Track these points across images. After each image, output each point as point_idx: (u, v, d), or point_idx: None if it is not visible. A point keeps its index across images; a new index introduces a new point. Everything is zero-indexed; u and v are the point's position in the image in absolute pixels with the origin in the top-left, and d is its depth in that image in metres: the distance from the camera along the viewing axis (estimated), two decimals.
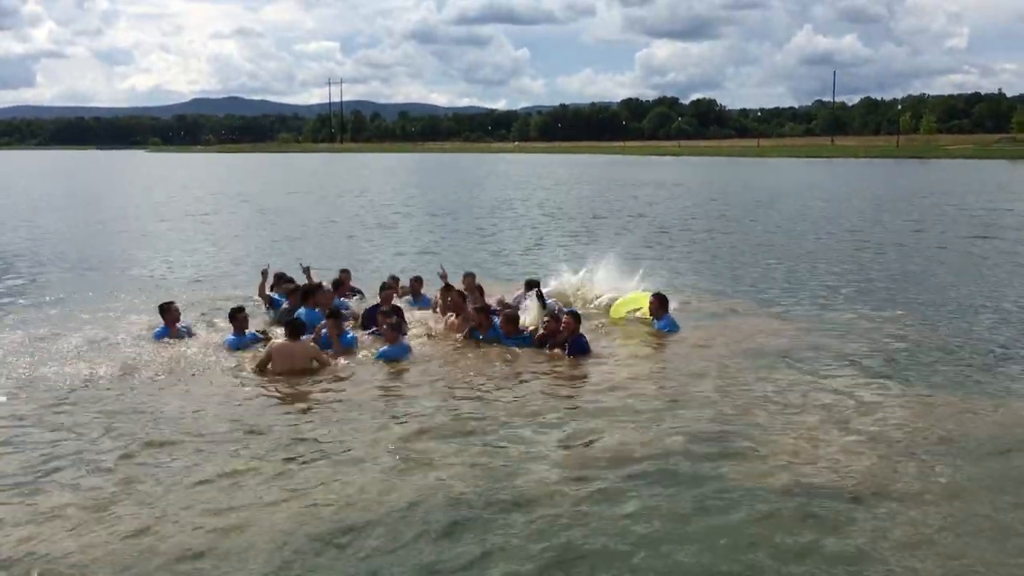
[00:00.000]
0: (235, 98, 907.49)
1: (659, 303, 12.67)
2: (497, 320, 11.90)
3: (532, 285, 13.21)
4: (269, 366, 10.46)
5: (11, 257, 22.30)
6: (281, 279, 13.89)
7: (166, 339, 11.93)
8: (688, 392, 9.68)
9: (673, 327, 12.54)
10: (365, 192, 51.91)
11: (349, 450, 7.91)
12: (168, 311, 12.12)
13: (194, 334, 12.34)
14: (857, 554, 5.95)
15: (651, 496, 6.84)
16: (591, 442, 8.09)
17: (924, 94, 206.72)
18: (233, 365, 10.96)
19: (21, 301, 15.92)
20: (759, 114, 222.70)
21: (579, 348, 11.16)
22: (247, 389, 9.98)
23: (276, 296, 13.40)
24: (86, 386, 9.93)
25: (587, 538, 6.15)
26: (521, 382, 10.17)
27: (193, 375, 10.53)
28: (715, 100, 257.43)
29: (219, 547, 6.03)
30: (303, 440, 8.23)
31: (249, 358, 11.11)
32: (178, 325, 12.18)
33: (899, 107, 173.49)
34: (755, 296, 16.15)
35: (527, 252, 23.36)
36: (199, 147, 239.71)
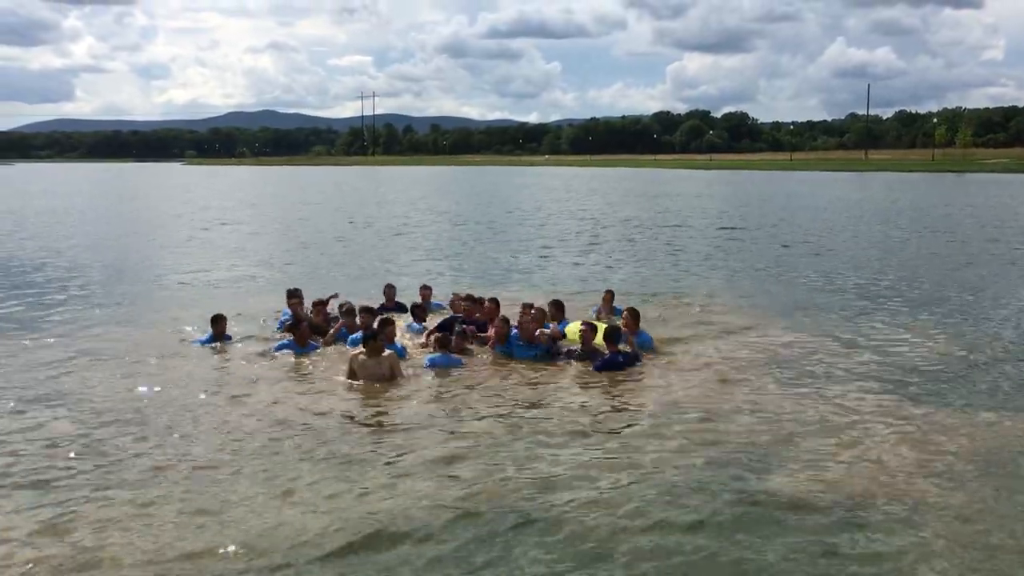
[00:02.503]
0: (270, 111, 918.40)
1: (633, 318, 12.23)
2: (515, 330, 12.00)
3: (558, 306, 13.38)
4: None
5: (59, 267, 22.86)
6: (293, 295, 13.99)
7: (211, 346, 12.42)
8: (712, 408, 9.60)
9: (649, 343, 12.11)
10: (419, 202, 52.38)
11: (381, 461, 8.07)
12: (219, 322, 12.58)
13: (235, 343, 12.74)
14: (883, 570, 5.97)
15: (681, 512, 6.85)
16: (619, 458, 8.08)
17: (960, 107, 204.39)
18: (277, 373, 11.24)
19: (71, 311, 16.31)
20: (792, 127, 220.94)
21: (608, 365, 11.01)
22: (292, 399, 10.13)
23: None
24: (134, 398, 10.13)
25: (614, 556, 6.18)
26: (544, 397, 10.12)
27: (240, 384, 10.80)
28: (747, 113, 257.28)
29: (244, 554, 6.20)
30: (339, 449, 8.40)
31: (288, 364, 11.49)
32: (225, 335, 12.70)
33: (934, 120, 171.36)
34: (789, 308, 16.18)
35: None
36: (234, 160, 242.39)
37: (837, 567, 6.03)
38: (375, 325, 11.27)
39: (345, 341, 12.22)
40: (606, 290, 14.93)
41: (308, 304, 13.46)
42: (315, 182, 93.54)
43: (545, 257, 24.94)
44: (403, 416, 9.36)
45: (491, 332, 12.24)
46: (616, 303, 14.34)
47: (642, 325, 12.47)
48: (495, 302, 13.16)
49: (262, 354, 12.08)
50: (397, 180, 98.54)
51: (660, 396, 10.07)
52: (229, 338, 12.75)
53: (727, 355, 12.01)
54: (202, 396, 10.14)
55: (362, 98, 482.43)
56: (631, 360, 11.17)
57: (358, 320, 12.40)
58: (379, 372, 10.38)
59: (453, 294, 14.43)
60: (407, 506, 6.94)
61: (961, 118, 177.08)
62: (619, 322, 12.26)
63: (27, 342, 13.08)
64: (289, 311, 13.29)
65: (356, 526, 6.60)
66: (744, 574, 5.95)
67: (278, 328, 13.24)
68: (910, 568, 6.01)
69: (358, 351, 10.59)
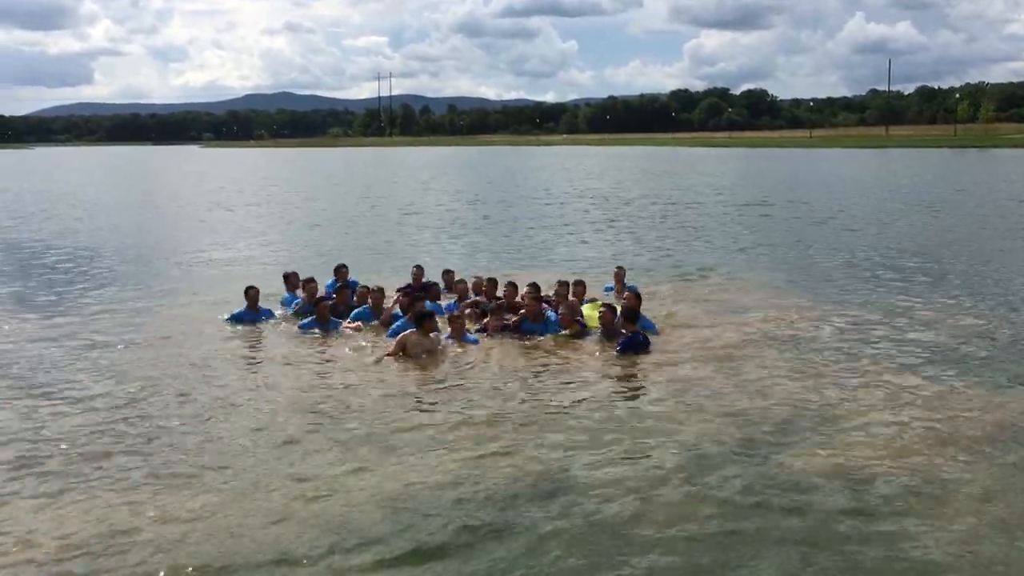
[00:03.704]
0: (286, 93, 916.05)
1: (636, 300, 12.05)
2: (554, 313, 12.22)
3: (581, 285, 13.43)
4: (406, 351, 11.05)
5: (94, 249, 23.18)
6: (289, 279, 14.14)
7: (247, 321, 12.70)
8: (731, 387, 9.65)
9: (651, 328, 11.92)
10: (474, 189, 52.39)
11: (398, 438, 8.27)
12: (251, 293, 12.85)
13: (275, 316, 13.03)
14: (903, 549, 6.02)
15: (702, 491, 6.92)
16: (641, 438, 8.14)
17: (982, 82, 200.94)
18: (305, 352, 11.48)
19: (97, 292, 16.63)
20: (811, 104, 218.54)
21: (630, 345, 11.01)
22: (319, 379, 10.35)
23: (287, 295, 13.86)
24: (166, 381, 10.22)
25: (634, 531, 6.29)
26: (568, 377, 10.22)
27: (273, 363, 11.05)
28: (766, 90, 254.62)
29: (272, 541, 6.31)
30: (358, 430, 8.58)
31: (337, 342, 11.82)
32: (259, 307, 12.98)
33: (956, 95, 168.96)
34: (810, 284, 16.32)
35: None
36: (252, 142, 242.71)
37: (856, 541, 6.09)
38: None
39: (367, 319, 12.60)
40: (617, 266, 14.95)
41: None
42: (336, 164, 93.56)
43: (560, 235, 25.12)
44: (440, 395, 9.59)
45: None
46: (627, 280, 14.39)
47: (657, 304, 12.46)
48: (535, 287, 12.89)
49: (289, 333, 12.32)
50: (417, 162, 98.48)
51: (680, 376, 10.13)
52: (269, 311, 13.02)
53: (745, 334, 12.05)
54: (234, 377, 10.34)
55: (379, 79, 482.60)
56: (648, 341, 11.24)
57: (394, 302, 12.75)
58: (431, 347, 11.15)
59: (475, 277, 14.33)
60: (434, 485, 7.08)
61: (983, 93, 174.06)
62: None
63: (51, 324, 13.31)
64: (288, 294, 13.65)
65: (381, 506, 6.73)
66: (763, 553, 5.98)
67: (289, 311, 13.26)
68: (928, 546, 6.05)
69: (410, 331, 11.18)
